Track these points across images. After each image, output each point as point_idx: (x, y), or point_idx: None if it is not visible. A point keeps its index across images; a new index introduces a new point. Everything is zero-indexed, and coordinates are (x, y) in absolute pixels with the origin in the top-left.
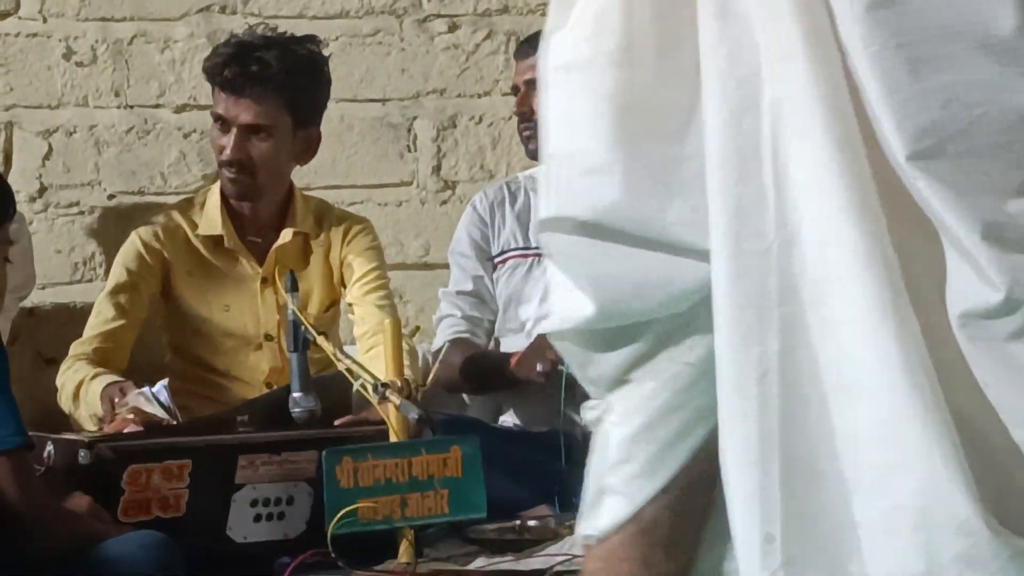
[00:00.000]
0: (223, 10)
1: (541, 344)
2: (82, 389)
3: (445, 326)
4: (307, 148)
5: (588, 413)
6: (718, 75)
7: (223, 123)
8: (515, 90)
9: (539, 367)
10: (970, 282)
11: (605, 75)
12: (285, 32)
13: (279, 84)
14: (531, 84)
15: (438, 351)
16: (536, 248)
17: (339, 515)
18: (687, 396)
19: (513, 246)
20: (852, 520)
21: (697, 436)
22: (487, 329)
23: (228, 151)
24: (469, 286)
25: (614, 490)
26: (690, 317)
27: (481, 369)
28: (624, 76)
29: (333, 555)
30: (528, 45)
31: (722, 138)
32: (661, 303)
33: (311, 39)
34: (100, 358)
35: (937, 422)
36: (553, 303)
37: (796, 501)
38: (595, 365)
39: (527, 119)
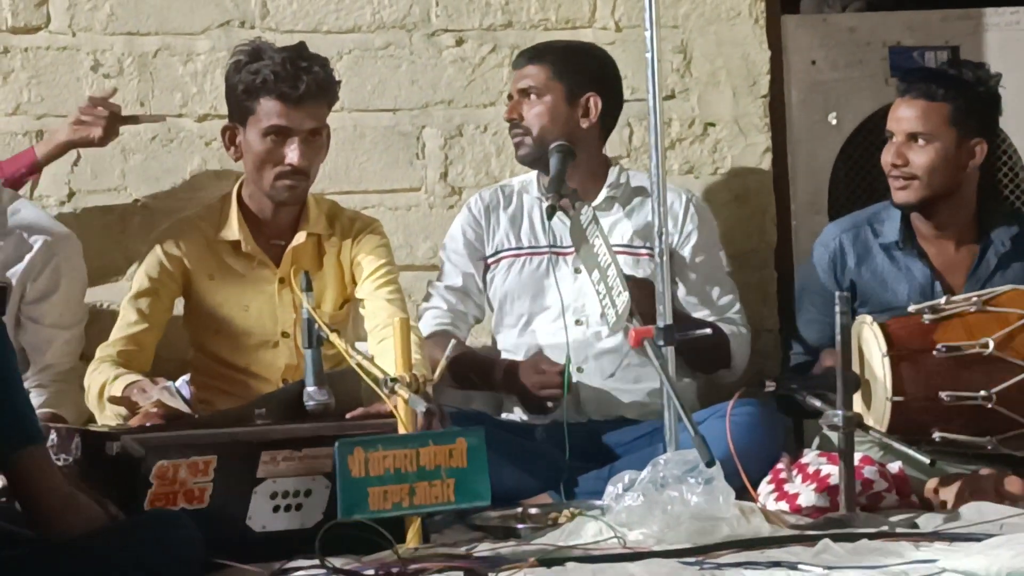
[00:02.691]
0: (242, 25)
1: (538, 380)
2: (105, 390)
3: (429, 316)
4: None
5: None
6: None
7: (280, 133)
8: (509, 98)
9: (549, 404)
10: None
11: None
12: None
13: (328, 89)
14: (523, 93)
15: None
16: (529, 247)
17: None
18: None
19: (507, 246)
20: None
21: None
22: (470, 324)
23: (295, 158)
24: (459, 281)
25: None
26: None
27: (467, 372)
28: None
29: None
30: (523, 56)
31: None
32: None
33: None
34: (124, 360)
35: None
36: None
37: None
38: None
39: (516, 125)
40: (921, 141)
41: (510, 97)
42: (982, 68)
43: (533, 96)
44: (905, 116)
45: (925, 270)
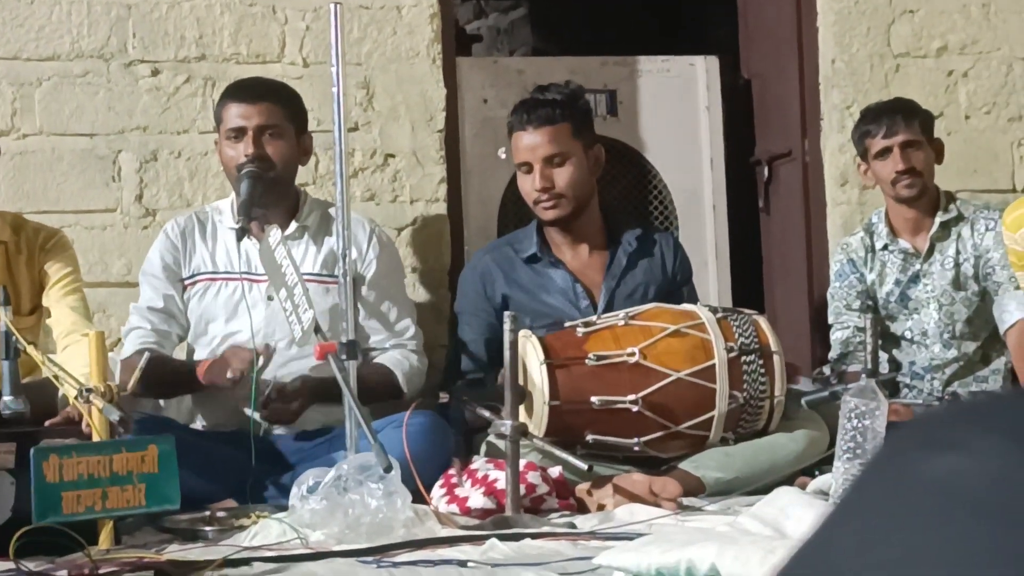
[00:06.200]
0: None
1: (231, 354)
2: None
3: (134, 337)
4: None
5: None
6: None
7: None
8: (260, 131)
9: (228, 374)
10: None
11: None
12: None
13: None
14: (262, 129)
15: (126, 359)
16: (224, 272)
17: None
18: None
19: (203, 270)
20: None
21: None
22: (174, 343)
23: None
24: (160, 303)
25: None
26: None
27: (164, 374)
28: None
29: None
30: (243, 90)
31: None
32: None
33: None
34: None
35: None
36: None
37: None
38: None
39: (262, 159)
40: (558, 161)
41: (261, 130)
42: (568, 84)
43: (271, 134)
44: (538, 144)
45: (565, 275)
